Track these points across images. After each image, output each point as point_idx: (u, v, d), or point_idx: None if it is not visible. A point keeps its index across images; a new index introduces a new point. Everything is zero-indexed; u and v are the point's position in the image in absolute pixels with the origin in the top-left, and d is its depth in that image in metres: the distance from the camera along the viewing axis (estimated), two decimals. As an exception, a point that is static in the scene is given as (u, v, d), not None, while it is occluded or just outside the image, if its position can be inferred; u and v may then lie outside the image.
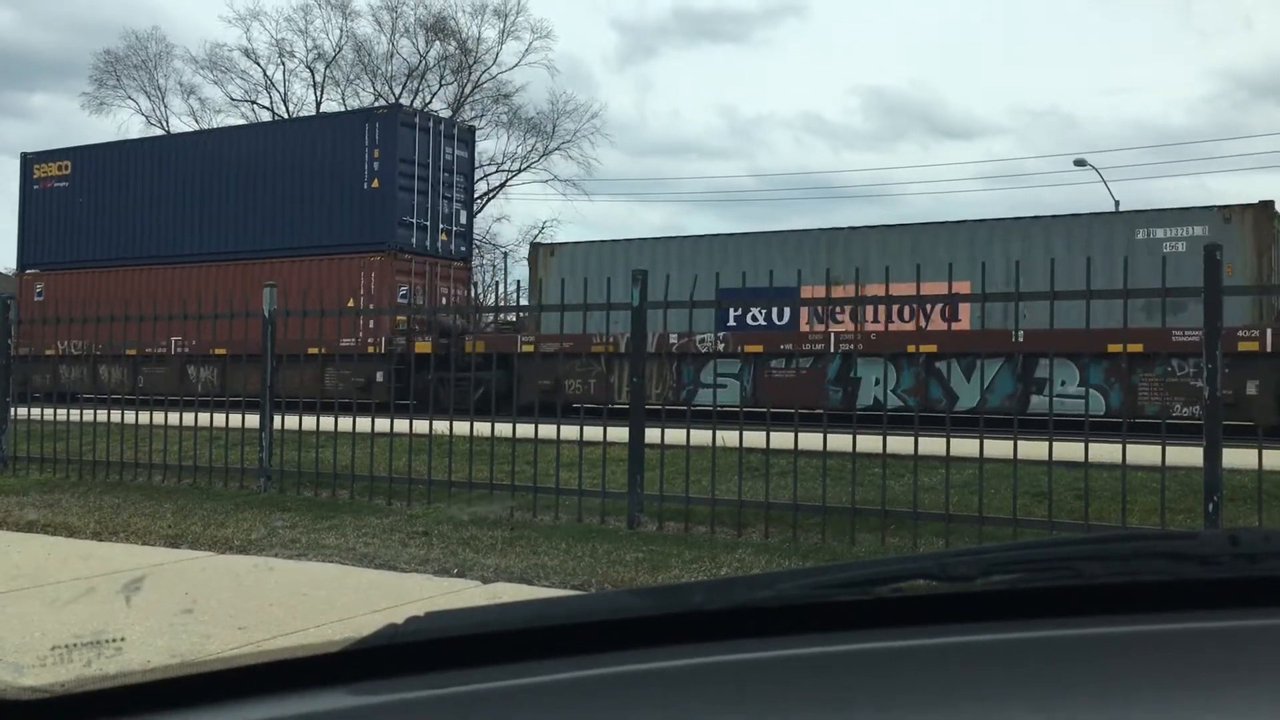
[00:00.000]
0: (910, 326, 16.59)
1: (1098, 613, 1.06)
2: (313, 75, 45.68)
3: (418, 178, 23.04)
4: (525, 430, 8.28)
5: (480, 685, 1.00)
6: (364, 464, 8.73)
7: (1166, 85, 78.81)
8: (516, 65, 45.42)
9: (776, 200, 69.89)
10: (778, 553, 6.57)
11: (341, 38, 45.49)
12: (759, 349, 18.07)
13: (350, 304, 19.44)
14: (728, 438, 7.87)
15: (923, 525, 6.79)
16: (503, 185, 46.31)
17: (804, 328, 18.25)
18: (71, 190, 26.36)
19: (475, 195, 45.21)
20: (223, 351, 18.08)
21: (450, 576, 5.82)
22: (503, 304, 20.66)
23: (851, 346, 16.83)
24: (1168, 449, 6.45)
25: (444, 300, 22.61)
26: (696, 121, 77.14)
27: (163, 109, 46.67)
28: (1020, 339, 14.41)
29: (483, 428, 8.83)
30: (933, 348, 16.62)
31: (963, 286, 12.88)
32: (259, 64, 46.42)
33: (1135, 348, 15.20)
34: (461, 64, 44.87)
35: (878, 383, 16.82)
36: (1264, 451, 6.40)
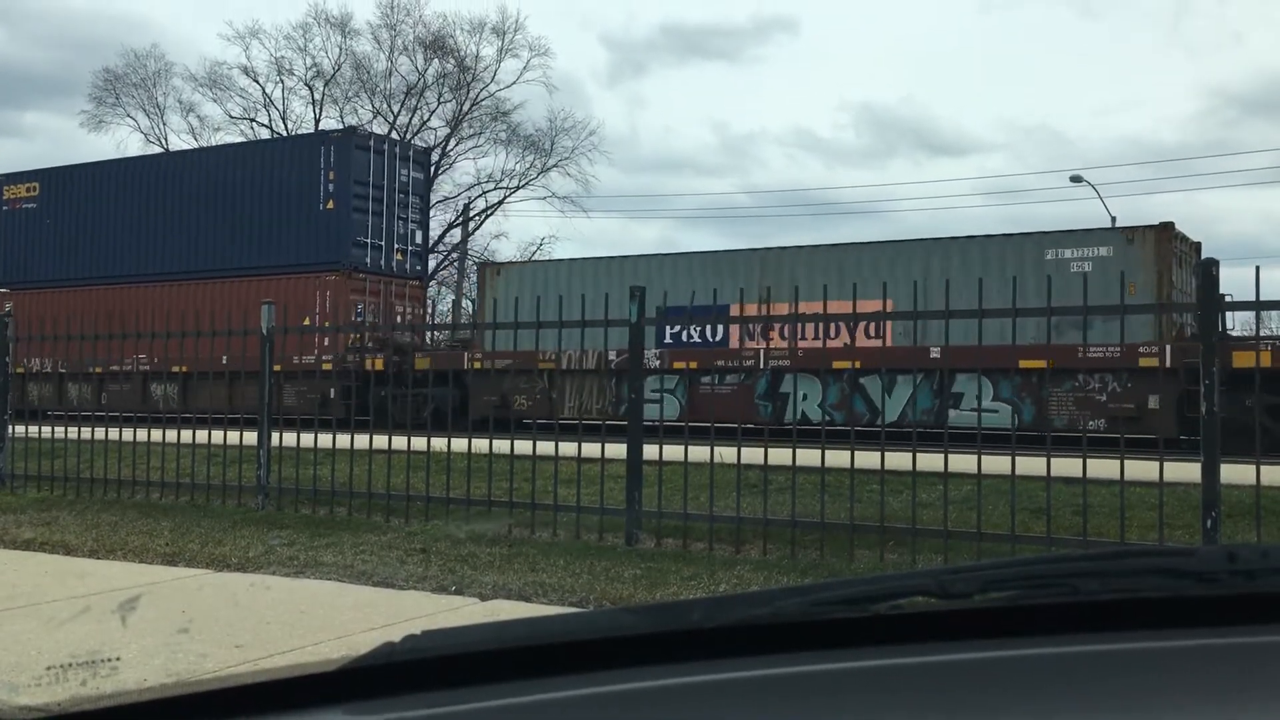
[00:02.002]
0: (836, 343, 17.07)
1: (1096, 629, 1.06)
2: (311, 93, 45.87)
3: (372, 199, 23.84)
4: (523, 447, 8.27)
5: (478, 704, 0.99)
6: (362, 481, 8.72)
7: (1156, 102, 79.21)
8: (514, 83, 45.63)
9: (771, 217, 70.16)
10: (776, 569, 6.56)
11: (340, 56, 45.70)
12: (694, 365, 18.86)
13: (305, 321, 19.86)
14: (725, 454, 7.87)
15: (921, 541, 6.78)
16: (501, 202, 46.45)
17: (735, 344, 19.11)
18: (39, 211, 27.16)
19: (475, 213, 45.47)
20: (181, 369, 18.28)
21: (448, 594, 5.81)
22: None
23: (778, 362, 18.03)
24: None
25: (399, 318, 23.34)
26: (689, 138, 77.53)
27: (162, 126, 46.90)
28: (936, 355, 14.71)
29: (481, 444, 8.82)
30: (846, 364, 16.99)
31: (875, 305, 13.13)
32: (258, 82, 46.54)
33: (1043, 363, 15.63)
34: (460, 81, 45.03)
35: (806, 398, 18.04)
36: (1262, 467, 6.41)
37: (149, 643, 4.47)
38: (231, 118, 46.14)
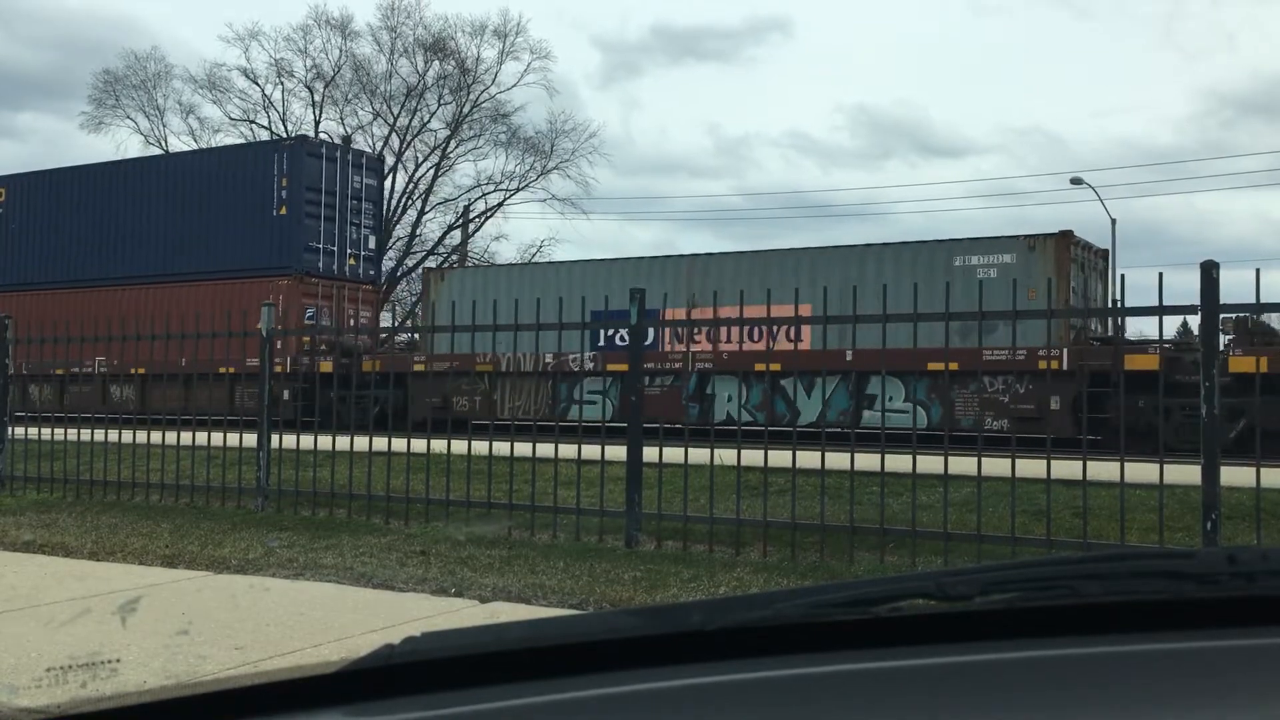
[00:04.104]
0: (759, 346, 17.37)
1: (1096, 632, 1.06)
2: (311, 95, 45.79)
3: (324, 205, 24.50)
4: (523, 449, 8.28)
5: (477, 706, 0.99)
6: (362, 483, 8.72)
7: (1151, 104, 79.31)
8: (515, 85, 45.58)
9: (767, 219, 70.23)
10: (776, 571, 6.56)
11: (341, 58, 45.60)
12: (626, 367, 19.06)
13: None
14: (726, 456, 7.87)
15: (921, 543, 6.78)
16: (500, 204, 46.43)
17: (666, 348, 19.66)
18: (5, 216, 27.86)
19: (471, 216, 45.46)
20: (138, 370, 18.46)
21: (448, 596, 5.80)
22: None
23: (705, 365, 18.87)
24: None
25: (351, 322, 23.89)
26: (684, 140, 77.68)
27: (162, 128, 46.79)
28: (852, 357, 14.98)
29: (480, 446, 8.83)
30: (763, 366, 17.44)
31: (789, 310, 13.33)
32: (258, 84, 46.43)
33: (951, 366, 15.99)
34: (460, 84, 45.00)
35: (730, 399, 18.76)
36: (1262, 469, 6.41)
37: (149, 644, 4.47)
38: (231, 120, 46.11)
